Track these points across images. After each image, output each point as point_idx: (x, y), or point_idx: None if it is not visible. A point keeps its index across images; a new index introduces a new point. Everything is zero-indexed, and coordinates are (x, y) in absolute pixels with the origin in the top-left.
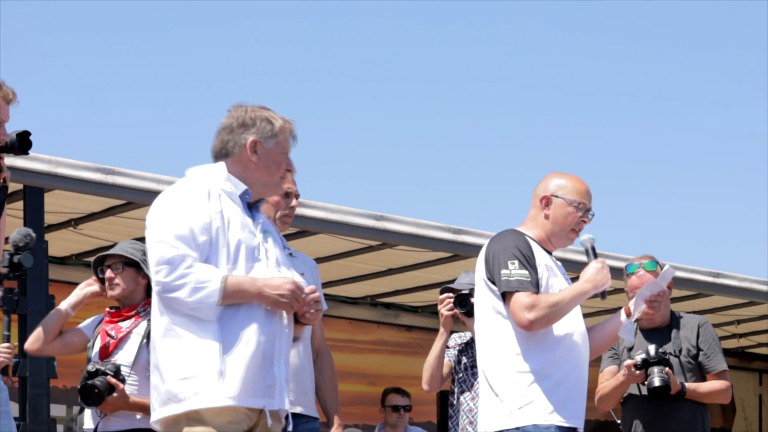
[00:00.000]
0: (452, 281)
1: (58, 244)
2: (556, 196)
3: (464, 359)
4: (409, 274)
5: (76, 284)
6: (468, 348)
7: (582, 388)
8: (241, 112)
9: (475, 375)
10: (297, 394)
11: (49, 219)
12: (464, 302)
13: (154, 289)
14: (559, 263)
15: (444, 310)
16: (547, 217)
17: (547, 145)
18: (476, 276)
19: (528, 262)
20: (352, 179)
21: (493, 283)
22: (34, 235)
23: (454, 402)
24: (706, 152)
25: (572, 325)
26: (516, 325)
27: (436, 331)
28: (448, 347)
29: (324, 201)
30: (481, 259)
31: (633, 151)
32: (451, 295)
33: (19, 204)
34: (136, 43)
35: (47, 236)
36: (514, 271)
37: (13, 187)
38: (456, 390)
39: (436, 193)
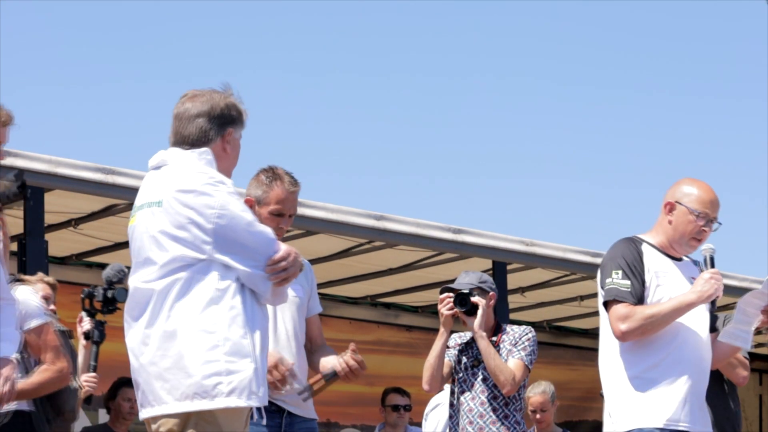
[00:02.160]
0: (452, 281)
1: (58, 244)
2: (680, 203)
3: (464, 359)
4: (409, 274)
5: (76, 284)
6: (468, 348)
7: (696, 391)
8: (218, 100)
9: (475, 375)
10: (292, 395)
11: (49, 219)
12: (464, 301)
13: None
14: (693, 265)
15: (444, 309)
16: (670, 222)
17: (548, 144)
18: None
19: (632, 271)
20: (352, 179)
21: (603, 289)
22: (127, 270)
23: (454, 402)
24: (705, 151)
25: (686, 329)
26: (612, 333)
27: (436, 331)
28: (448, 347)
29: (324, 201)
30: (599, 268)
31: (632, 149)
32: (451, 294)
33: (19, 204)
34: (136, 42)
35: (47, 236)
36: (616, 280)
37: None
38: (456, 390)
39: (436, 192)
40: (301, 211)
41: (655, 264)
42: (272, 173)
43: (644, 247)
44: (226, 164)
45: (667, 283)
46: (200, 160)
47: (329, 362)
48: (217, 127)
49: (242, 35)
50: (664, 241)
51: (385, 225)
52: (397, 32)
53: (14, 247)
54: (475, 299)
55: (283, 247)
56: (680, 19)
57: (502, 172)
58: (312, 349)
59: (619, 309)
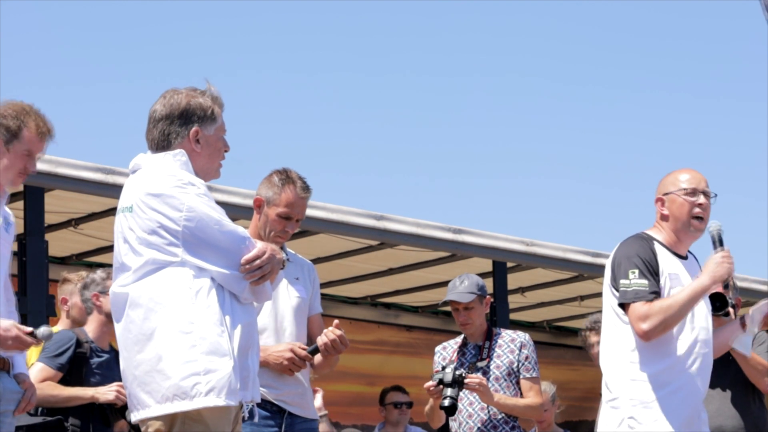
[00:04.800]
0: (451, 281)
1: (58, 244)
2: (667, 194)
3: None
4: (409, 274)
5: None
6: (462, 355)
7: (699, 394)
8: (179, 100)
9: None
10: (293, 395)
11: (49, 219)
12: (453, 384)
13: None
14: (696, 263)
15: (432, 399)
16: (665, 216)
17: (547, 144)
18: (604, 280)
19: (649, 270)
20: (352, 179)
21: (617, 290)
22: None
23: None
24: (704, 151)
25: (696, 332)
26: (636, 335)
27: (437, 330)
28: (443, 366)
29: (324, 201)
30: (608, 265)
31: (632, 149)
32: (436, 386)
33: (19, 204)
34: (136, 42)
35: (47, 236)
36: (633, 280)
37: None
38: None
39: (436, 192)
40: None
41: (668, 265)
42: (285, 176)
43: (657, 246)
44: (201, 163)
45: (678, 286)
46: (175, 162)
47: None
48: (179, 129)
49: (242, 35)
50: (670, 236)
51: (385, 225)
52: (397, 32)
53: (14, 247)
54: (468, 381)
55: (259, 245)
56: (680, 19)
57: (502, 172)
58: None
59: (638, 308)
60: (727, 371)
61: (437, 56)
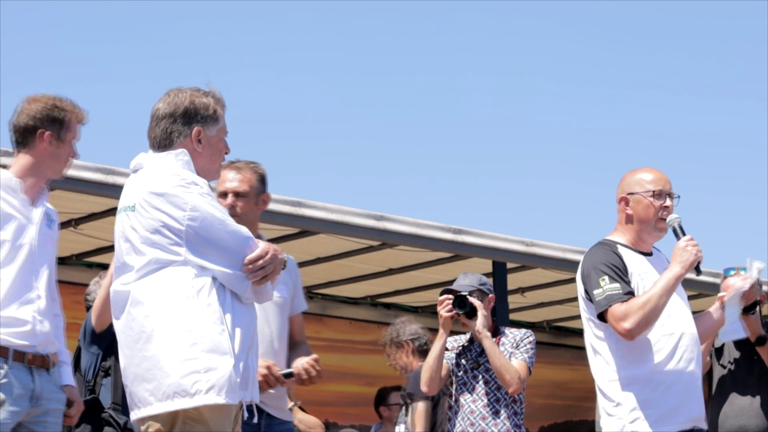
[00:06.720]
0: (452, 281)
1: (59, 244)
2: (632, 193)
3: (463, 361)
4: (409, 274)
5: (76, 284)
6: (466, 350)
7: (695, 388)
8: (182, 99)
9: (476, 377)
10: (271, 397)
11: None
12: (463, 303)
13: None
14: (662, 257)
15: (443, 311)
16: (629, 217)
17: (548, 144)
18: (577, 291)
19: (618, 273)
20: (352, 179)
21: (591, 300)
22: None
23: (452, 404)
24: (704, 151)
25: (677, 326)
26: (620, 337)
27: (436, 331)
28: (446, 349)
29: (324, 201)
30: (578, 279)
31: (632, 149)
32: (450, 296)
33: None
34: (135, 40)
35: None
36: (605, 287)
37: None
38: (455, 392)
39: (436, 192)
40: (301, 211)
41: (636, 266)
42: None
43: (621, 249)
44: (202, 163)
45: (649, 284)
46: (177, 161)
47: (299, 362)
48: (181, 127)
49: (242, 34)
50: (633, 237)
51: (385, 225)
52: (397, 32)
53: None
54: (473, 300)
55: (261, 245)
56: (680, 19)
57: (502, 172)
58: (290, 346)
59: (616, 310)
60: (751, 372)
61: (437, 56)
